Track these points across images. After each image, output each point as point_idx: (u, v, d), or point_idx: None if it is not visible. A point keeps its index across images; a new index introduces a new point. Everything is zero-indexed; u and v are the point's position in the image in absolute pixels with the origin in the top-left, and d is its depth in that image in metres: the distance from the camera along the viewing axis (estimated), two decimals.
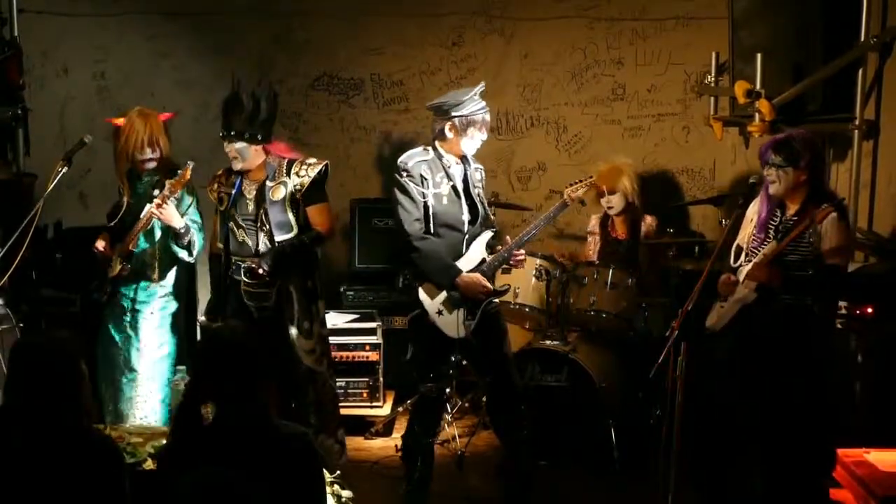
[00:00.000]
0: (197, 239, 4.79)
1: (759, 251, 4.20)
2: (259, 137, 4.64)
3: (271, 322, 4.66)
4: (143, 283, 4.83)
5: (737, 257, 4.28)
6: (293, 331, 4.70)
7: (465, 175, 4.53)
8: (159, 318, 4.86)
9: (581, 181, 4.83)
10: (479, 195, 4.56)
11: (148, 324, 4.83)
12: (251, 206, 4.71)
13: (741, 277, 4.23)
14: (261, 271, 4.55)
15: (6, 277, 4.74)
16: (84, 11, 6.55)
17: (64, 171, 4.70)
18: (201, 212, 4.91)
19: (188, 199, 4.80)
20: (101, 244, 4.83)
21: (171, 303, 4.90)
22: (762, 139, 5.34)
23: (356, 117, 6.75)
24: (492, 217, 4.68)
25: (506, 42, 6.61)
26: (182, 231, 4.70)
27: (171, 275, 4.90)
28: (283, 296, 4.69)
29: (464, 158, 4.53)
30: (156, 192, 4.70)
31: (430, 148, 4.52)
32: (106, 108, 6.36)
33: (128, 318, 4.82)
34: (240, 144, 4.61)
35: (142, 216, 4.67)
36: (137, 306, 4.82)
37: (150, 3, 6.60)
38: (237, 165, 4.68)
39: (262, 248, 4.67)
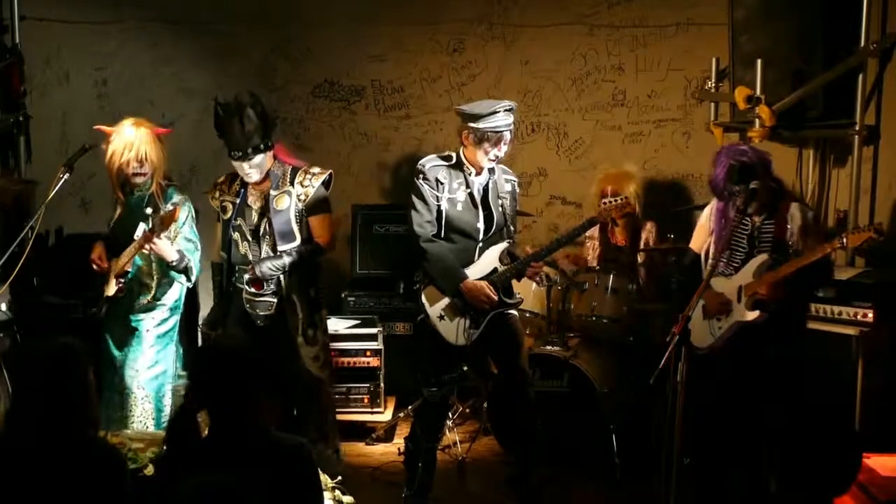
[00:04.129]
0: (193, 264, 4.74)
1: (741, 262, 4.25)
2: (270, 144, 4.64)
3: (274, 331, 4.65)
4: (138, 302, 4.79)
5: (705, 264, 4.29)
6: (298, 339, 4.68)
7: (488, 184, 4.48)
8: (154, 337, 4.80)
9: (615, 200, 4.54)
10: (501, 206, 4.49)
11: (143, 342, 4.77)
12: (255, 217, 4.69)
13: (730, 292, 4.24)
14: (258, 274, 4.55)
15: (7, 284, 4.74)
16: (86, 19, 6.56)
17: (65, 177, 4.69)
18: (199, 216, 4.88)
19: (183, 216, 4.74)
20: (96, 256, 4.79)
21: (168, 321, 4.85)
22: (763, 144, 5.37)
23: (357, 124, 6.76)
24: (512, 229, 4.59)
25: (506, 49, 6.62)
26: (176, 262, 4.67)
27: (170, 292, 4.84)
28: (286, 305, 4.67)
29: (491, 168, 4.48)
30: (148, 209, 4.63)
31: (453, 154, 4.49)
32: (107, 115, 6.33)
33: (124, 336, 4.78)
34: (258, 158, 4.59)
35: (136, 237, 4.60)
36: (134, 324, 4.77)
37: (152, 10, 6.61)
38: (254, 178, 4.66)
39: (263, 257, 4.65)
